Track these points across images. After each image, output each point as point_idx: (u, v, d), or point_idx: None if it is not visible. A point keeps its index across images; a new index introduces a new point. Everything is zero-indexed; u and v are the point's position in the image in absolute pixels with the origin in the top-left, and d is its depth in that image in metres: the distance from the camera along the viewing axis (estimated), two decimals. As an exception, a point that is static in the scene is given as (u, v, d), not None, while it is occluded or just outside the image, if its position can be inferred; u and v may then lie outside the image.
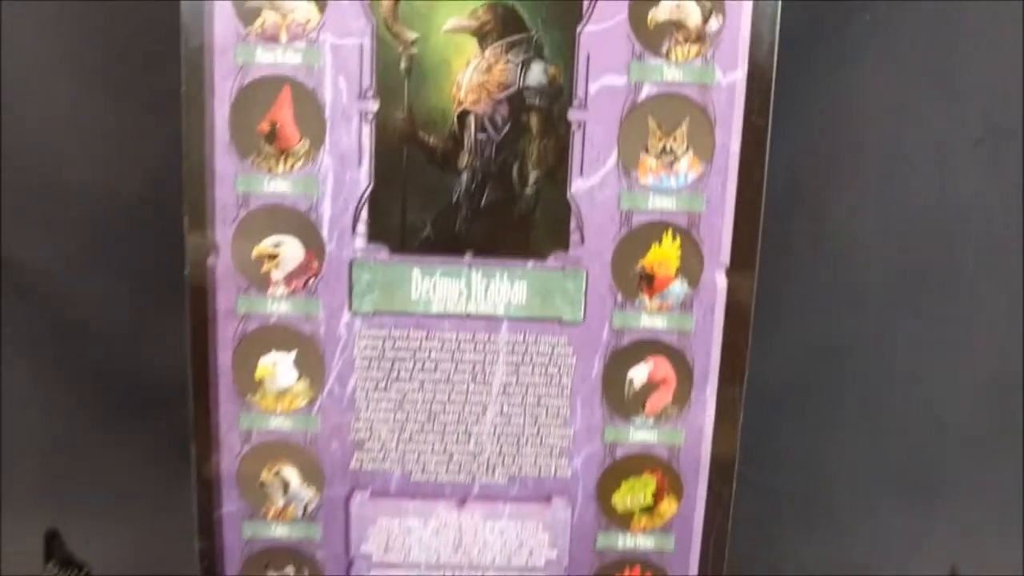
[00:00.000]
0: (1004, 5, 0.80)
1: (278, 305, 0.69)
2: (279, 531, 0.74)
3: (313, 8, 0.64)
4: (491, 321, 0.70)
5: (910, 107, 0.84)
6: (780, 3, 0.64)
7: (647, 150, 0.66)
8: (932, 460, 0.92)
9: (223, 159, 0.66)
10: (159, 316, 0.81)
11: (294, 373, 0.70)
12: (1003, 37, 0.82)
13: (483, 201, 0.67)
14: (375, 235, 0.68)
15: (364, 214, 0.68)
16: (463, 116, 0.66)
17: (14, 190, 0.83)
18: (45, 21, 0.79)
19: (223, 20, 0.64)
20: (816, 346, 0.88)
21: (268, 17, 0.65)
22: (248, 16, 0.64)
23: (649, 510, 0.73)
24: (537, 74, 0.65)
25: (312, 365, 0.70)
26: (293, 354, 0.70)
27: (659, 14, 0.65)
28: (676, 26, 0.65)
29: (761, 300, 0.70)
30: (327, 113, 0.66)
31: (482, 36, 0.65)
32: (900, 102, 0.84)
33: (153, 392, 0.86)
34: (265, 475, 0.73)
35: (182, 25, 0.65)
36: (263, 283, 0.68)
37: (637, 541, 0.74)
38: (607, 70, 0.65)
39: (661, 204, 0.67)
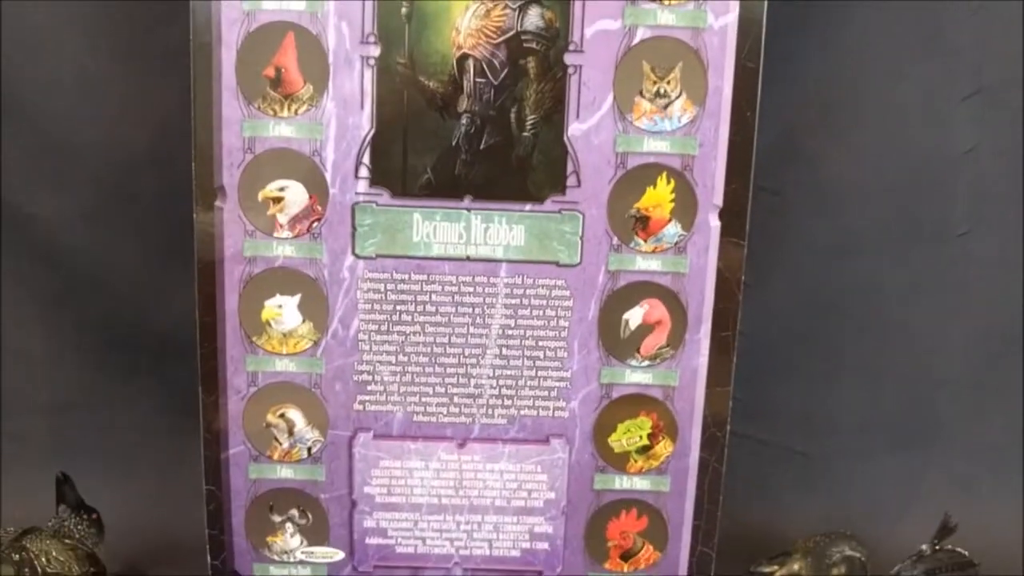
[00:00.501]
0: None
1: (283, 248, 0.71)
2: (284, 473, 0.75)
3: (316, -46, 0.66)
4: (490, 264, 0.71)
5: (903, 59, 0.86)
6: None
7: (642, 93, 0.68)
8: (926, 410, 0.94)
9: (230, 104, 0.68)
10: (168, 271, 0.83)
11: (299, 316, 0.72)
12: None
13: (482, 145, 0.69)
14: (377, 179, 0.70)
15: (366, 158, 0.69)
16: (462, 60, 0.68)
17: (23, 147, 0.85)
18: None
19: (229, -33, 0.66)
20: (810, 296, 0.90)
21: (273, -37, 0.66)
22: (253, -37, 0.66)
23: (645, 451, 0.74)
24: (534, 18, 0.67)
25: (316, 308, 0.72)
26: (298, 297, 0.72)
27: (652, -42, 0.65)
28: (669, -30, 0.66)
29: (755, 251, 0.72)
30: (330, 58, 0.68)
31: (480, -20, 0.66)
32: (894, 54, 0.86)
33: (162, 345, 0.88)
34: (271, 417, 0.74)
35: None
36: (269, 226, 0.70)
37: (634, 482, 0.76)
38: (602, 14, 0.67)
39: (655, 146, 0.69)
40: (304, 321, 0.72)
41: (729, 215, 0.70)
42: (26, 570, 0.72)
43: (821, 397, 0.93)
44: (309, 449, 0.75)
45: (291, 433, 0.74)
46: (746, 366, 0.75)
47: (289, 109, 0.68)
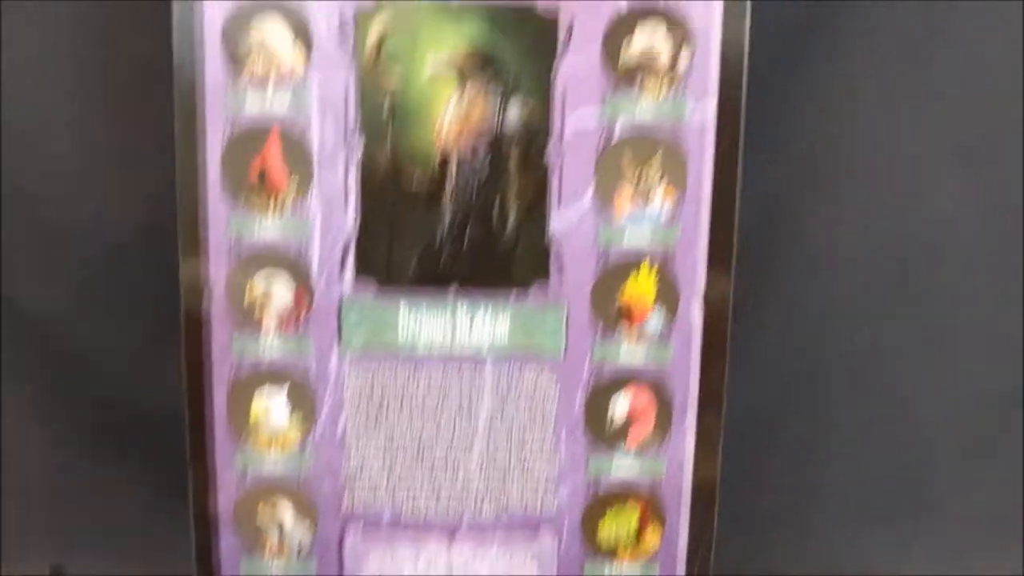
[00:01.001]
0: (986, 15, 0.83)
1: (270, 344, 0.71)
2: (276, 568, 0.75)
3: (300, 54, 0.67)
4: (476, 356, 0.71)
5: (890, 119, 0.85)
6: (748, 35, 0.66)
7: (622, 185, 0.68)
8: (918, 478, 0.93)
9: (216, 202, 0.69)
10: (157, 354, 0.83)
11: (286, 412, 0.72)
12: (986, 49, 0.84)
13: (466, 238, 0.69)
14: (362, 273, 0.70)
15: (351, 253, 0.69)
16: (445, 155, 0.69)
17: (13, 232, 0.85)
18: (42, 65, 0.82)
19: (213, 67, 0.67)
20: (798, 366, 0.90)
21: (257, 63, 0.67)
22: (237, 62, 0.67)
23: (634, 540, 0.74)
24: (515, 112, 0.68)
25: (304, 404, 0.72)
26: (285, 393, 0.72)
27: (631, 52, 0.67)
28: (647, 63, 0.67)
29: (741, 319, 0.72)
30: (314, 156, 0.69)
31: (461, 78, 0.68)
32: (880, 114, 0.85)
33: (152, 429, 0.88)
34: (261, 514, 0.74)
35: (175, 71, 0.68)
36: (256, 323, 0.70)
37: (623, 570, 0.75)
38: (582, 106, 0.68)
39: (637, 237, 0.70)
40: (292, 417, 0.72)
41: (713, 303, 0.70)
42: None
43: (810, 465, 0.92)
44: (299, 545, 0.74)
45: (282, 529, 0.74)
46: (733, 434, 0.75)
47: (275, 206, 0.69)
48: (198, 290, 0.70)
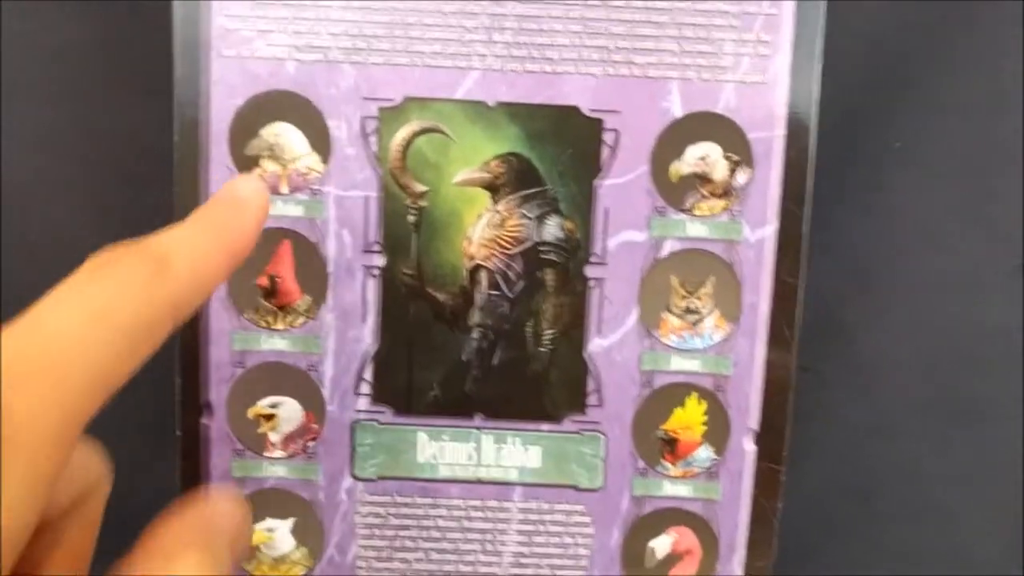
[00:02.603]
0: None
1: (275, 468, 0.65)
2: None
3: (316, 159, 0.60)
4: (502, 487, 0.65)
5: (943, 236, 0.80)
6: (814, 157, 0.59)
7: (669, 309, 0.62)
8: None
9: (218, 315, 0.62)
10: (150, 469, 0.76)
11: (292, 540, 0.66)
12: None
13: (494, 360, 0.63)
14: (379, 396, 0.64)
15: (368, 374, 0.63)
16: (475, 271, 0.62)
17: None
18: (31, 141, 0.74)
19: (219, 170, 0.60)
20: (845, 479, 0.84)
21: (267, 167, 0.61)
22: (246, 166, 0.60)
23: None
24: (553, 228, 0.61)
25: (311, 532, 0.66)
26: (291, 521, 0.66)
27: (683, 167, 0.60)
28: (701, 180, 0.60)
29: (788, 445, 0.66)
30: (330, 268, 0.62)
31: (495, 189, 0.61)
32: (933, 229, 0.80)
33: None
34: (260, 648, 0.67)
35: (175, 171, 0.61)
36: (259, 445, 0.64)
37: None
38: (627, 224, 0.61)
39: (685, 365, 0.63)
40: (297, 546, 0.66)
41: (766, 439, 0.63)
42: None
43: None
44: None
45: (282, 665, 0.67)
46: (778, 551, 0.68)
47: (284, 321, 0.62)
48: (196, 409, 0.63)
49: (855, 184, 0.80)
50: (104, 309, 0.32)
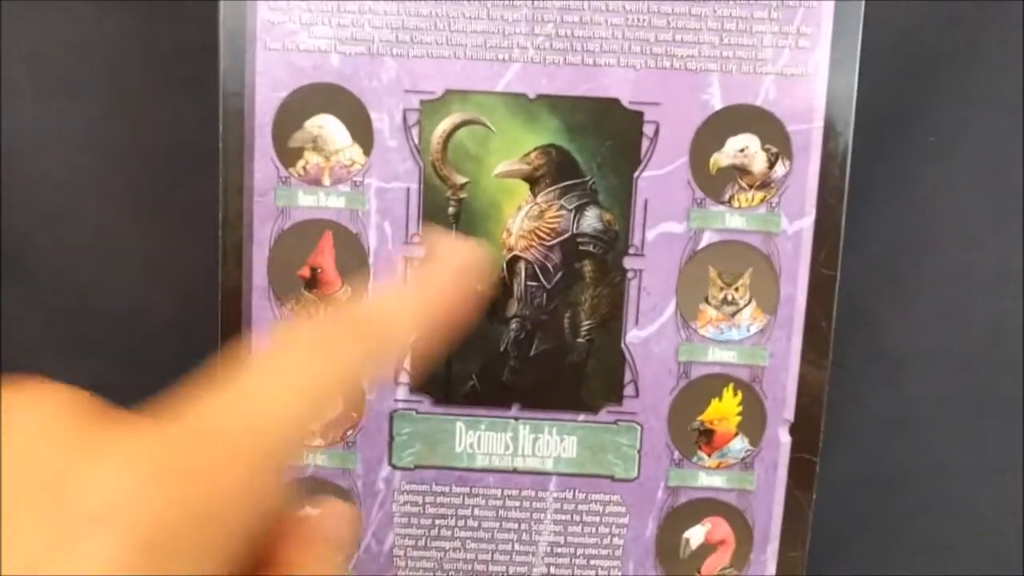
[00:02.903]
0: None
1: (314, 458, 0.65)
2: None
3: (358, 151, 0.61)
4: (538, 477, 0.65)
5: (974, 229, 0.80)
6: (851, 148, 0.59)
7: (707, 300, 0.62)
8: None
9: (260, 305, 0.63)
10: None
11: (329, 529, 0.65)
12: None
13: (532, 351, 0.63)
14: (417, 385, 0.64)
15: (406, 363, 0.63)
16: (513, 262, 0.62)
17: (30, 313, 0.79)
18: (73, 137, 0.75)
19: (263, 161, 0.61)
20: (872, 472, 0.84)
21: (310, 159, 0.61)
22: (289, 157, 0.60)
23: None
24: (592, 220, 0.61)
25: (348, 521, 0.65)
26: (329, 509, 0.65)
27: (722, 159, 0.60)
28: (740, 171, 0.60)
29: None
30: (371, 259, 0.62)
31: (534, 180, 0.61)
32: (964, 224, 0.80)
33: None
34: (296, 635, 0.67)
35: (220, 166, 0.61)
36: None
37: None
38: (665, 217, 0.61)
39: (722, 356, 0.63)
40: (335, 535, 0.65)
41: (801, 430, 0.64)
42: None
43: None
44: (338, 670, 0.67)
45: (318, 653, 0.67)
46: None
47: (325, 312, 0.62)
48: (238, 399, 0.63)
49: (887, 178, 0.80)
50: (307, 386, 0.34)
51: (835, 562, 0.84)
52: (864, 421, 0.83)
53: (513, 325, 0.64)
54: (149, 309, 0.77)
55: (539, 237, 0.62)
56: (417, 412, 0.65)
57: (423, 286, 0.40)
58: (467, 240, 0.54)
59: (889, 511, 0.86)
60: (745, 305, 0.63)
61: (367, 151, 0.62)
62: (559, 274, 0.63)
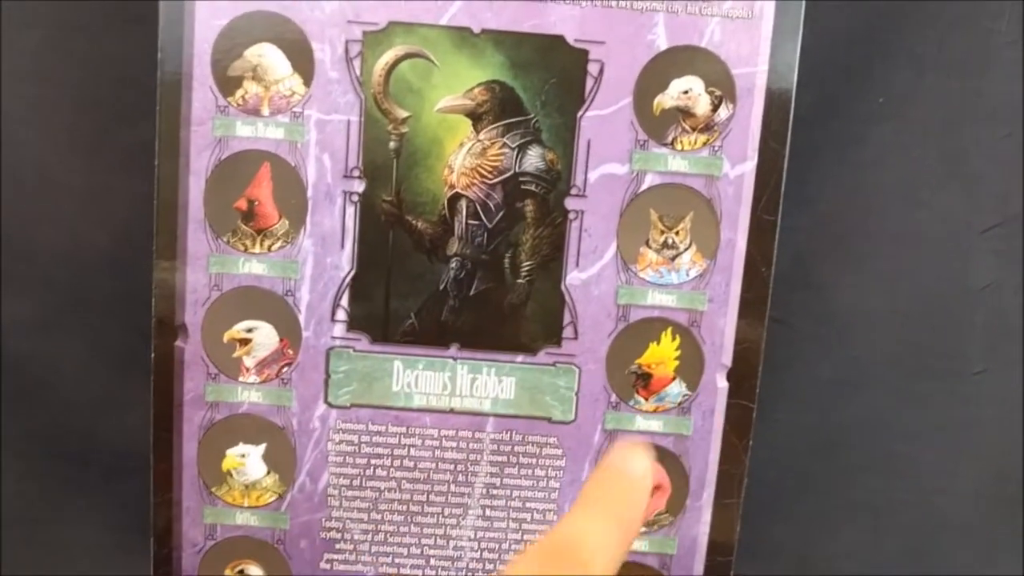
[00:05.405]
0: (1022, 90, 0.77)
1: (249, 394, 0.64)
2: (241, 635, 0.68)
3: (298, 81, 0.60)
4: (476, 418, 0.65)
5: (922, 190, 0.80)
6: (794, 93, 0.59)
7: (648, 243, 0.62)
8: (932, 555, 0.88)
9: (196, 237, 0.62)
10: (123, 391, 0.76)
11: (263, 467, 0.66)
12: (1021, 123, 0.78)
13: (472, 291, 0.63)
14: (355, 323, 0.63)
15: (344, 300, 0.63)
16: (454, 200, 0.62)
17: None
18: (16, 72, 0.73)
19: (201, 89, 0.60)
20: (814, 431, 0.84)
21: (249, 88, 0.60)
22: (228, 86, 0.60)
23: (639, 621, 0.68)
24: (534, 159, 0.61)
25: (283, 459, 0.65)
26: (263, 446, 0.66)
27: (666, 101, 0.60)
28: (683, 114, 0.60)
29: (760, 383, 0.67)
30: (309, 192, 0.61)
31: (477, 117, 0.60)
32: (912, 185, 0.80)
33: (114, 459, 0.81)
34: (229, 573, 0.67)
35: (158, 93, 0.60)
36: (234, 370, 0.63)
37: (624, 656, 0.68)
38: (608, 158, 0.60)
39: (661, 300, 0.63)
40: (269, 472, 0.66)
41: (738, 376, 0.64)
42: None
43: (823, 538, 0.86)
44: (269, 609, 0.67)
45: (250, 592, 0.67)
46: (744, 502, 0.70)
47: (262, 245, 0.62)
48: (171, 331, 0.62)
49: (835, 138, 0.80)
50: None
51: (777, 519, 0.85)
52: (807, 380, 0.83)
53: (453, 264, 0.63)
54: (88, 243, 0.75)
55: (481, 175, 0.62)
56: (354, 350, 0.64)
57: (610, 511, 0.46)
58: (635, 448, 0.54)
59: (830, 469, 0.87)
60: (685, 249, 0.63)
61: (307, 82, 0.61)
62: (500, 213, 0.62)
